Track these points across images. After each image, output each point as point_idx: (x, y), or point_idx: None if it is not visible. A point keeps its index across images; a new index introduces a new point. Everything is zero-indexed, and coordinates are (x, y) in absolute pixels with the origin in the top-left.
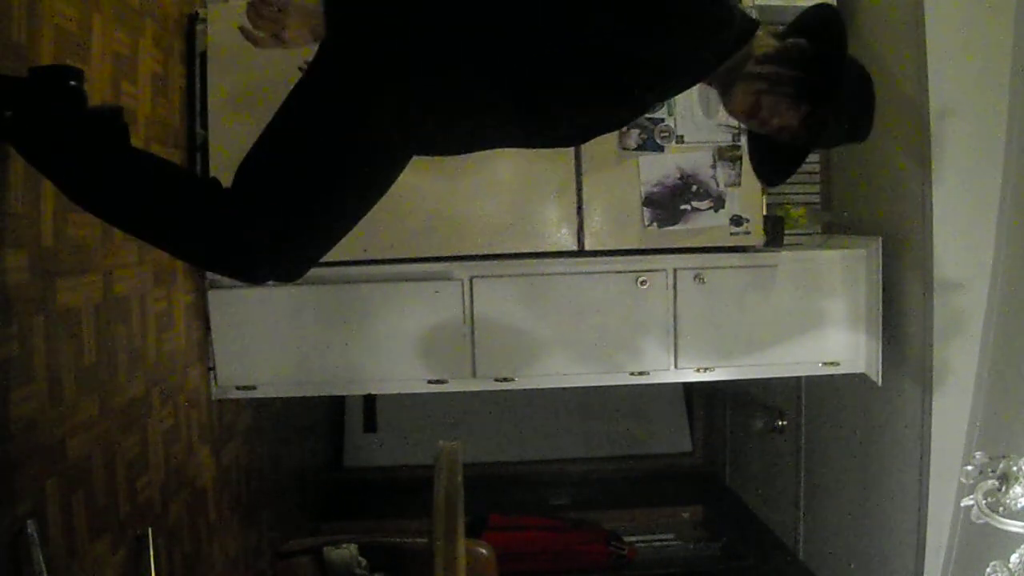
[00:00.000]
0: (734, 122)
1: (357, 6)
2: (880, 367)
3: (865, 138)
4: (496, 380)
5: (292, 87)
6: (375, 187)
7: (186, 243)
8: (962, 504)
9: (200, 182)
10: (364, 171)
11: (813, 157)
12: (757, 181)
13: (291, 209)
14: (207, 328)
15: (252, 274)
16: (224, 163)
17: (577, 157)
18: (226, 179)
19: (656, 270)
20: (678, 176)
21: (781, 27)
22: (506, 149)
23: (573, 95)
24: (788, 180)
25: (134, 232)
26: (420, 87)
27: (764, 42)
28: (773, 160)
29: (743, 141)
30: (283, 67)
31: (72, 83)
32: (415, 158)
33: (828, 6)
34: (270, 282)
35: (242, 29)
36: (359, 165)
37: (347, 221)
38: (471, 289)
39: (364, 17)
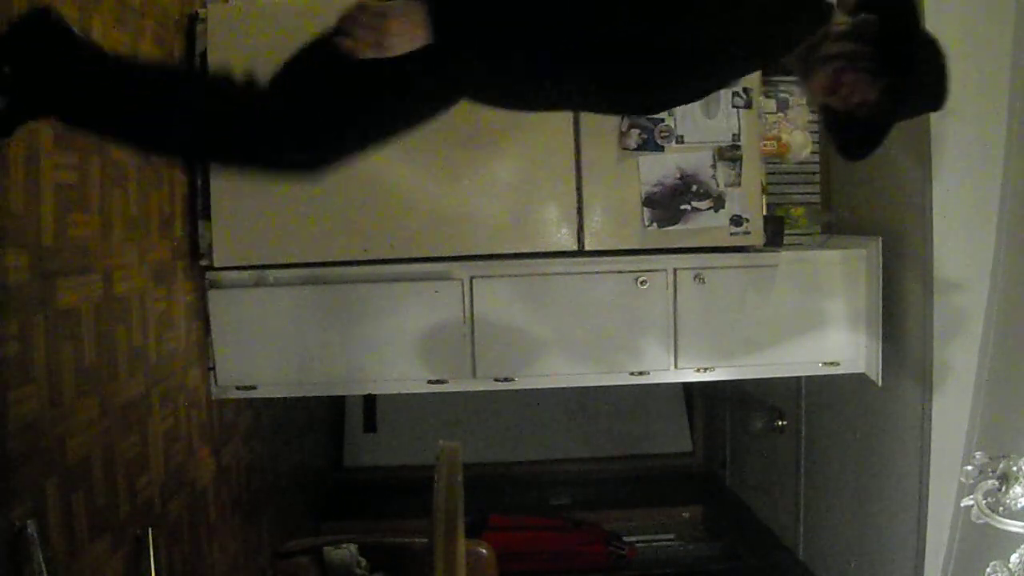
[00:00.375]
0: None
1: (464, 11)
2: (880, 367)
3: (943, 105)
4: (496, 380)
5: None
6: (414, 116)
7: (208, 134)
8: (962, 504)
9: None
10: (407, 83)
11: (812, 157)
12: (843, 159)
13: (324, 100)
14: (207, 328)
15: (277, 156)
16: None
17: (577, 157)
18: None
19: (656, 270)
20: (678, 176)
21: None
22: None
23: (656, 68)
24: (775, 169)
25: (165, 139)
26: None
27: (837, 20)
28: (856, 135)
29: (743, 142)
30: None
31: (53, 19)
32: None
33: None
34: (289, 171)
35: (339, 41)
36: (404, 78)
37: (382, 133)
38: (471, 289)
39: (472, 23)
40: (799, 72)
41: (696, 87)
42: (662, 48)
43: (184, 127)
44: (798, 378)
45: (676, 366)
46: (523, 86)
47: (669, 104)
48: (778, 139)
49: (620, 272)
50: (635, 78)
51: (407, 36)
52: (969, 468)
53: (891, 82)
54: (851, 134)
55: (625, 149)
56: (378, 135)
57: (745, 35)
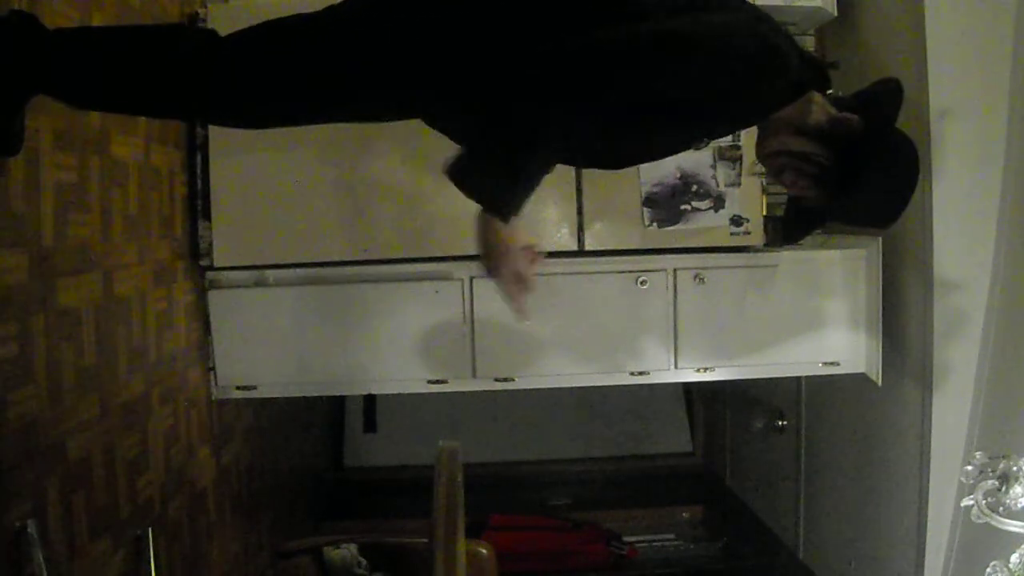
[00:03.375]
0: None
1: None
2: (880, 367)
3: (888, 226)
4: (496, 380)
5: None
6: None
7: (187, 89)
8: (962, 504)
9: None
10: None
11: None
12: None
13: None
14: (207, 328)
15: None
16: (224, 163)
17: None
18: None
19: (656, 270)
20: (678, 176)
21: (845, 96)
22: None
23: (622, 128)
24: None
25: (138, 101)
26: None
27: (818, 107)
28: (796, 216)
29: (743, 141)
30: None
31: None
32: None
33: (894, 82)
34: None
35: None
36: (377, 87)
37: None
38: (471, 289)
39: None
40: (759, 135)
41: (662, 144)
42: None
43: (164, 86)
44: (798, 378)
45: (676, 366)
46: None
47: (624, 162)
48: None
49: (620, 272)
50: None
51: (510, 240)
52: (969, 468)
53: (835, 197)
54: (796, 214)
55: None
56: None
57: (711, 103)
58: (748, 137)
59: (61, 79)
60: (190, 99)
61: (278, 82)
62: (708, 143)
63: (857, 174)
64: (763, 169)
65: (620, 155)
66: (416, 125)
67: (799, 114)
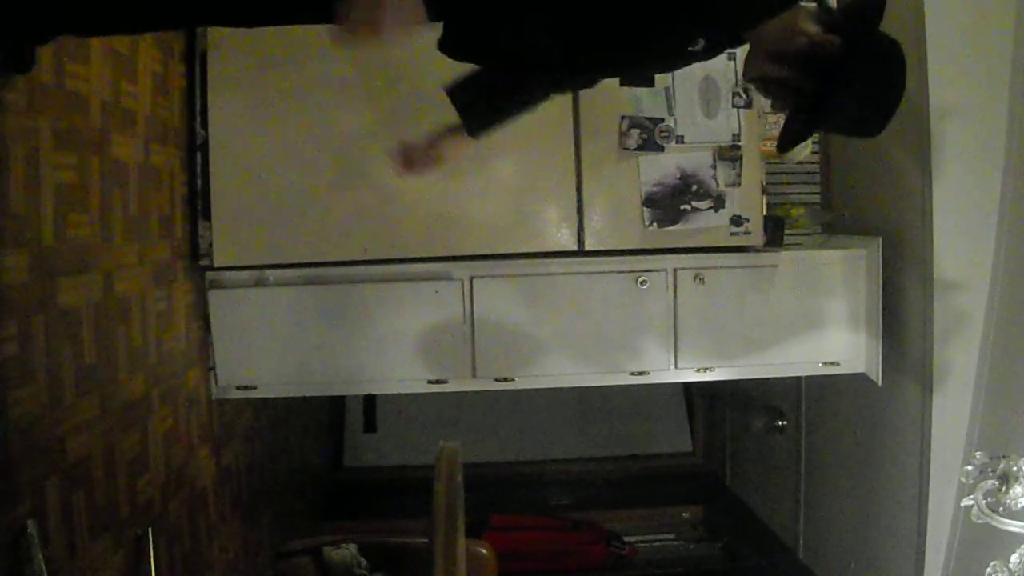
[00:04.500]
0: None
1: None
2: (880, 367)
3: (877, 134)
4: (496, 380)
5: None
6: None
7: None
8: (962, 504)
9: None
10: None
11: (812, 157)
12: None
13: None
14: (207, 328)
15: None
16: (224, 163)
17: (577, 157)
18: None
19: (656, 270)
20: (678, 176)
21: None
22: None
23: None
24: (775, 169)
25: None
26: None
27: (804, 21)
28: (787, 127)
29: (743, 142)
30: (283, 68)
31: None
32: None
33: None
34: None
35: (334, 30)
36: None
37: None
38: (471, 289)
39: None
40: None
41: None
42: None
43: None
44: (798, 378)
45: (676, 366)
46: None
47: (618, 66)
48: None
49: (620, 272)
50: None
51: (403, 16)
52: (969, 468)
53: (811, 112)
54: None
55: (625, 149)
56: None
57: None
58: (747, 138)
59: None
60: None
61: None
62: (702, 48)
63: (836, 90)
64: (750, 87)
65: (615, 55)
66: (416, 124)
67: (781, 37)
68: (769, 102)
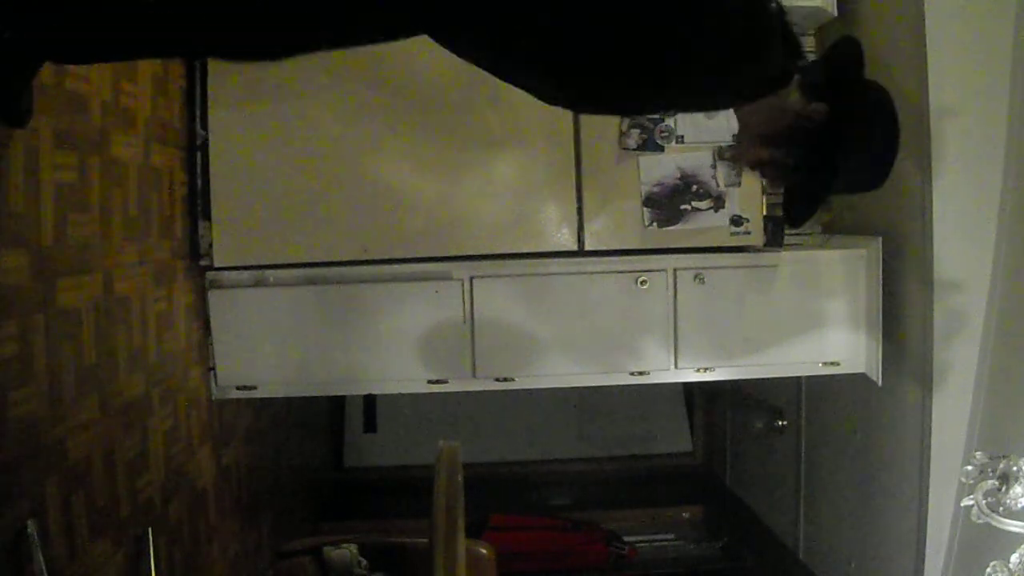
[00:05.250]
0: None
1: None
2: (880, 367)
3: (879, 187)
4: (496, 380)
5: None
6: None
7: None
8: (962, 504)
9: None
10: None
11: None
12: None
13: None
14: (207, 328)
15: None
16: (224, 163)
17: (577, 157)
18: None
19: (656, 270)
20: (678, 176)
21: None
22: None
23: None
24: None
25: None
26: None
27: (784, 98)
28: (791, 203)
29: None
30: (283, 68)
31: None
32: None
33: (850, 44)
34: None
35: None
36: None
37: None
38: (471, 289)
39: None
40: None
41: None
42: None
43: (162, 31)
44: (798, 378)
45: (676, 366)
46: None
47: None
48: None
49: (620, 272)
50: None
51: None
52: (969, 468)
53: (809, 185)
54: (787, 199)
55: (625, 149)
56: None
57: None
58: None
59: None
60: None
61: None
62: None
63: (835, 158)
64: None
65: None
66: (416, 124)
67: (767, 118)
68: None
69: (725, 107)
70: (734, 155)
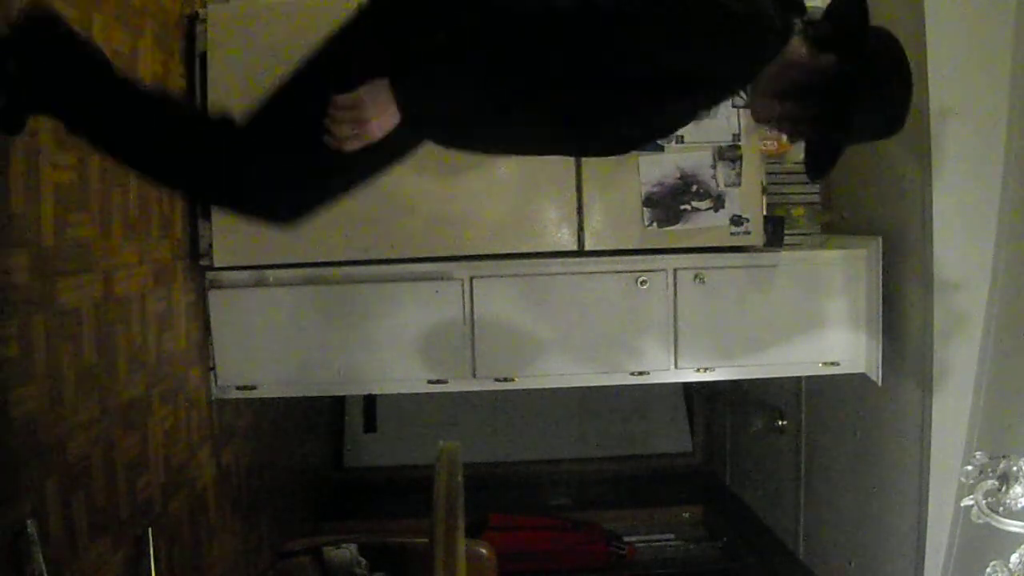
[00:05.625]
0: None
1: (426, 83)
2: (880, 367)
3: (899, 132)
4: (496, 380)
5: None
6: (384, 154)
7: (187, 169)
8: (962, 504)
9: (207, 114)
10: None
11: None
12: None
13: (292, 147)
14: (207, 328)
15: (245, 205)
16: None
17: (577, 157)
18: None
19: (656, 270)
20: (678, 176)
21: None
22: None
23: (620, 108)
24: (775, 169)
25: (140, 161)
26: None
27: (795, 53)
28: (814, 154)
29: (743, 142)
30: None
31: (57, 22)
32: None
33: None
34: (263, 221)
35: (327, 141)
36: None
37: (348, 176)
38: (471, 289)
39: (435, 93)
40: (750, 96)
41: (650, 123)
42: (611, 85)
43: (168, 163)
44: (798, 378)
45: (676, 366)
46: (488, 133)
47: (628, 143)
48: (778, 139)
49: (620, 272)
50: (590, 116)
51: (383, 120)
52: (969, 468)
53: (835, 128)
54: (808, 153)
55: None
56: (347, 186)
57: (692, 68)
58: (747, 138)
59: (78, 117)
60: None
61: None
62: (712, 113)
63: (852, 106)
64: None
65: (625, 135)
66: None
67: (776, 74)
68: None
69: (739, 81)
70: (750, 113)
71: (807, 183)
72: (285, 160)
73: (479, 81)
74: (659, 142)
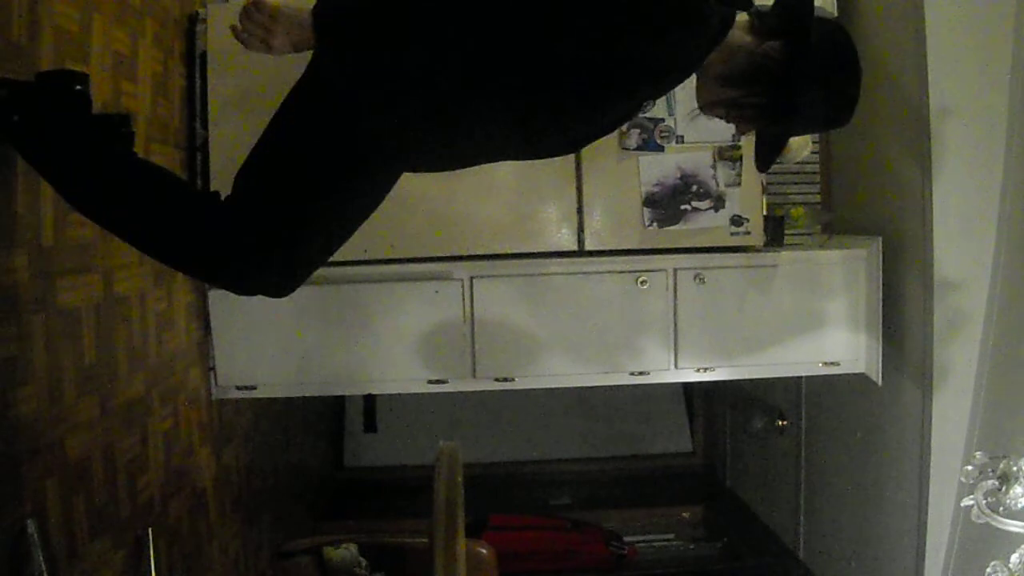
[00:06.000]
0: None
1: (346, 21)
2: (880, 367)
3: (845, 124)
4: (496, 380)
5: (286, 96)
6: (365, 200)
7: (180, 250)
8: (962, 504)
9: (198, 192)
10: (353, 184)
11: (812, 157)
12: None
13: (281, 218)
14: (207, 328)
15: (242, 283)
16: (224, 163)
17: (577, 157)
18: (228, 180)
19: (656, 270)
20: (678, 176)
21: (761, 11)
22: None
23: (563, 104)
24: (775, 169)
25: (131, 239)
26: (408, 108)
27: (738, 41)
28: (760, 145)
29: (743, 142)
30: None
31: (78, 87)
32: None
33: None
34: (260, 295)
35: (233, 28)
36: (348, 178)
37: (337, 233)
38: (471, 289)
39: (354, 33)
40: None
41: (597, 117)
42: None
43: (163, 243)
44: (798, 378)
45: (676, 366)
46: (459, 138)
47: (575, 140)
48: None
49: (620, 272)
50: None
51: (288, 39)
52: (969, 468)
53: (775, 120)
54: (760, 143)
55: (625, 149)
56: (342, 236)
57: (630, 61)
58: (747, 138)
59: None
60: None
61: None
62: (653, 105)
63: (795, 94)
64: (707, 115)
65: (585, 132)
66: None
67: (721, 60)
68: (732, 127)
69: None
70: (696, 100)
71: (807, 183)
72: (279, 214)
73: (423, 67)
74: (658, 142)
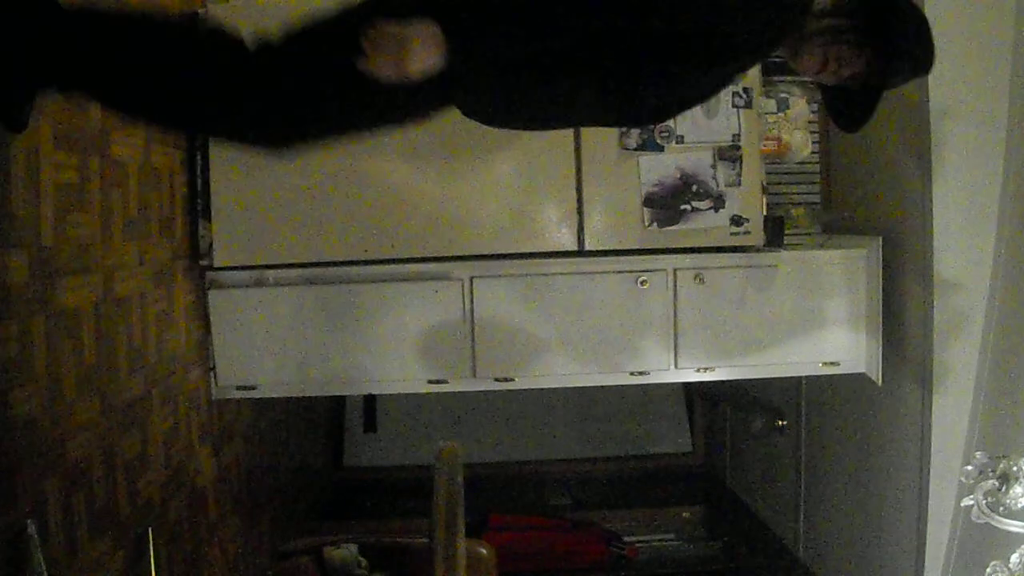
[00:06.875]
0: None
1: (477, 29)
2: (880, 367)
3: (930, 69)
4: (496, 380)
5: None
6: (404, 105)
7: (196, 92)
8: (962, 504)
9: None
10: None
11: (812, 157)
12: (841, 130)
13: (319, 70)
14: (207, 328)
15: (243, 133)
16: (224, 163)
17: (577, 157)
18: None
19: (656, 270)
20: (678, 176)
21: None
22: (507, 150)
23: (661, 75)
24: (775, 169)
25: (146, 95)
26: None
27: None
28: (850, 106)
29: (743, 142)
30: None
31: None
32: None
33: None
34: (258, 147)
35: (357, 63)
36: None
37: (362, 111)
38: (471, 289)
39: (485, 41)
40: (788, 52)
41: (694, 86)
42: (658, 45)
43: (171, 95)
44: (798, 378)
45: (676, 366)
46: (529, 99)
47: (671, 107)
48: (778, 139)
49: (620, 272)
50: (636, 79)
51: (426, 58)
52: (969, 468)
53: (876, 51)
54: (845, 106)
55: (625, 149)
56: (357, 126)
57: (735, 25)
58: (747, 138)
59: (80, 75)
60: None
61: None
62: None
63: (886, 26)
64: (797, 67)
65: (678, 100)
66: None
67: (820, 26)
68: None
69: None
70: (799, 64)
71: (807, 183)
72: (307, 81)
73: (526, 36)
74: (658, 142)
